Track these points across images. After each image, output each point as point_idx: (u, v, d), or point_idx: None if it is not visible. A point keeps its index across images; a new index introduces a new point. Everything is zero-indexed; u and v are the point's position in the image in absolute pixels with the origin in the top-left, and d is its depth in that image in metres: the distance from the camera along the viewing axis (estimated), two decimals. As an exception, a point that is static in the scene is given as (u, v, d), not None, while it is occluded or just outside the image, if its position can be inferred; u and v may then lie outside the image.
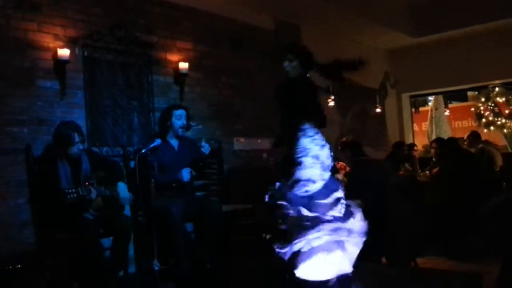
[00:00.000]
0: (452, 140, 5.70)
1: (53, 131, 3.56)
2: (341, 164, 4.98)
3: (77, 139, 3.44)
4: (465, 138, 6.33)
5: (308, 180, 2.77)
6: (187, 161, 3.90)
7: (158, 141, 3.66)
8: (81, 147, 3.51)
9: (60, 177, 3.40)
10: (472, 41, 7.54)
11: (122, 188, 3.62)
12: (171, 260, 3.63)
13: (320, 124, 2.90)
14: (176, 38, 5.04)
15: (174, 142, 4.00)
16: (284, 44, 3.73)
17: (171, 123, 3.93)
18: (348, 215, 2.80)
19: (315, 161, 2.79)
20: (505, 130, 8.50)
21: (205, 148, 3.96)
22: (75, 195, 3.25)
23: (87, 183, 3.41)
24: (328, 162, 2.84)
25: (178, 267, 3.55)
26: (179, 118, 3.93)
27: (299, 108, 2.87)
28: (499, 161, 5.98)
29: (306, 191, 2.78)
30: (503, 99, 8.39)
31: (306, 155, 2.78)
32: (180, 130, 3.95)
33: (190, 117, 4.16)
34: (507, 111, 8.45)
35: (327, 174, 2.83)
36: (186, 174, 3.80)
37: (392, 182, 4.30)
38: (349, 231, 2.77)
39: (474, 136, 6.32)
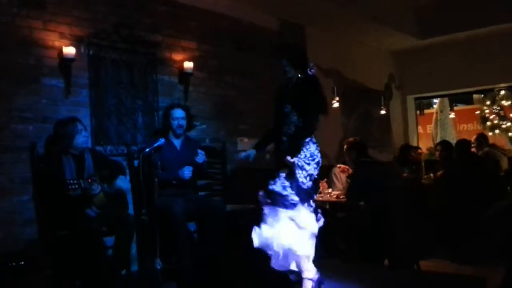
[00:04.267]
0: (463, 142, 5.51)
1: (53, 129, 3.64)
2: (343, 167, 4.96)
3: (80, 126, 3.57)
4: (473, 140, 6.28)
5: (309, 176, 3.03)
6: (188, 161, 3.90)
7: (162, 140, 3.68)
8: (85, 133, 3.62)
9: (64, 171, 3.43)
10: (478, 44, 7.50)
11: (121, 179, 3.65)
12: (173, 259, 3.64)
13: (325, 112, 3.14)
14: (181, 38, 5.04)
15: (177, 142, 4.02)
16: (277, 45, 3.84)
17: (169, 123, 3.95)
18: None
19: (315, 165, 3.07)
20: (510, 134, 8.46)
21: (199, 157, 3.87)
22: (76, 186, 3.27)
23: (89, 180, 3.43)
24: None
25: (181, 266, 3.55)
26: (175, 119, 3.94)
27: (306, 106, 3.07)
28: (505, 165, 5.94)
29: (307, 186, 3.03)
30: (509, 102, 8.35)
31: (313, 160, 3.05)
32: (177, 130, 3.96)
33: (192, 116, 4.16)
34: (512, 115, 8.42)
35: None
36: (187, 172, 3.81)
37: (395, 184, 4.28)
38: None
39: (483, 138, 6.28)
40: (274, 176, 3.01)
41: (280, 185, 2.96)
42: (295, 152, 2.97)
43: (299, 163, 2.97)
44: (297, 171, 2.96)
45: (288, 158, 2.93)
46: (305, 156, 3.01)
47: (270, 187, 2.98)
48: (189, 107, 4.29)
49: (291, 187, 2.96)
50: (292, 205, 2.95)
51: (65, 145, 3.52)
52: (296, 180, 2.96)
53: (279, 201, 2.96)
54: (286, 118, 3.11)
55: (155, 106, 4.70)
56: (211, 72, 5.33)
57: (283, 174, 2.98)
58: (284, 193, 2.94)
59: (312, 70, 3.16)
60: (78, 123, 3.59)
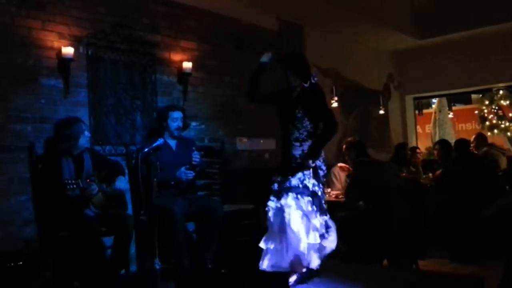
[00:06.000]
0: (462, 141, 5.51)
1: (55, 128, 3.63)
2: (344, 165, 4.97)
3: (84, 126, 3.59)
4: (472, 140, 6.28)
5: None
6: (184, 161, 3.89)
7: (161, 141, 3.68)
8: (87, 134, 3.62)
9: (63, 171, 3.43)
10: (476, 44, 7.51)
11: (121, 180, 3.65)
12: (172, 260, 3.64)
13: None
14: (180, 38, 5.04)
15: (172, 142, 4.02)
16: (281, 56, 3.89)
17: (167, 124, 3.96)
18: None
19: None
20: (508, 134, 8.47)
21: (194, 158, 3.87)
22: (75, 186, 3.27)
23: (88, 180, 3.43)
24: None
25: (179, 267, 3.55)
26: (174, 120, 3.96)
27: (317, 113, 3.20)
28: (503, 164, 5.94)
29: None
30: (507, 102, 8.37)
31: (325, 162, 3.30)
32: (175, 131, 3.98)
33: (187, 118, 4.18)
34: (511, 114, 8.43)
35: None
36: (186, 174, 3.80)
37: (394, 184, 4.28)
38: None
39: (481, 138, 6.28)
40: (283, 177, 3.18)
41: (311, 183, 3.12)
42: (317, 157, 3.15)
43: (318, 164, 3.18)
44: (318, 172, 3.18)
45: (310, 162, 3.10)
46: (322, 157, 3.23)
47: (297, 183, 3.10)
48: (185, 108, 4.34)
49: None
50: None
51: (69, 145, 3.52)
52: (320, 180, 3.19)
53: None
54: (299, 123, 3.14)
55: (153, 106, 4.70)
56: (210, 72, 5.33)
57: (307, 173, 3.12)
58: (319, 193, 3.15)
59: (316, 78, 3.22)
60: (82, 124, 3.59)
